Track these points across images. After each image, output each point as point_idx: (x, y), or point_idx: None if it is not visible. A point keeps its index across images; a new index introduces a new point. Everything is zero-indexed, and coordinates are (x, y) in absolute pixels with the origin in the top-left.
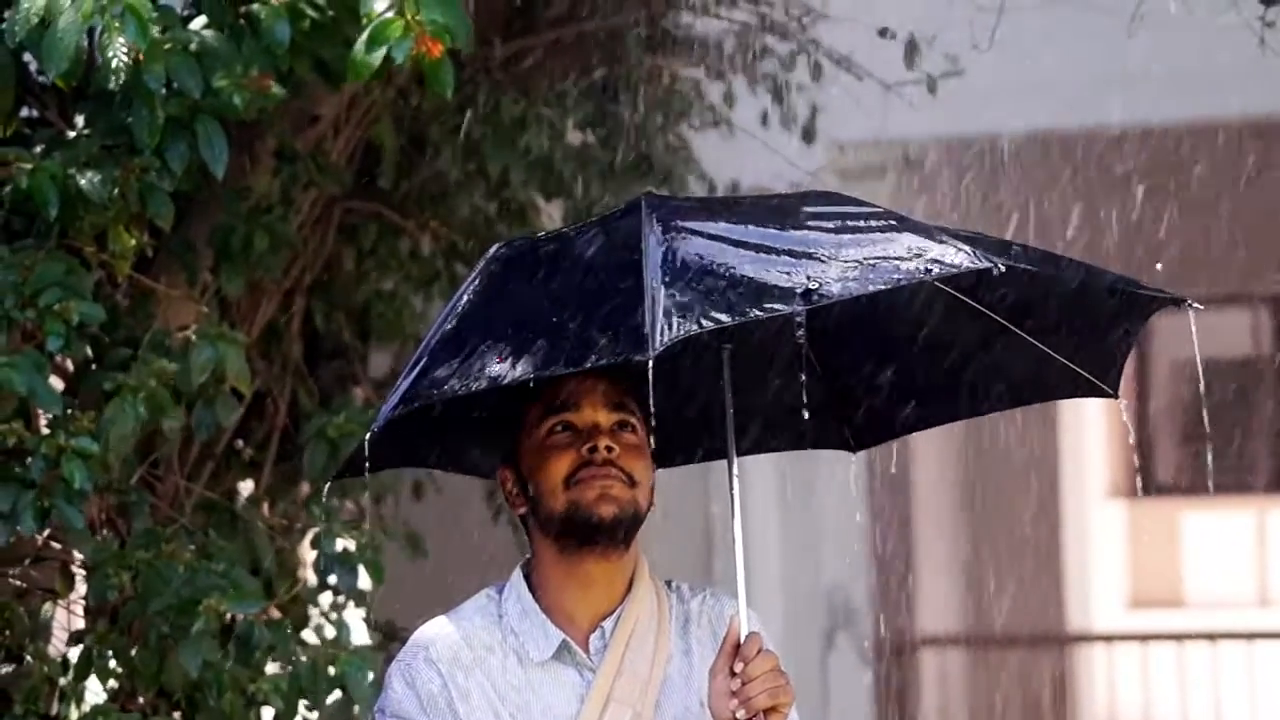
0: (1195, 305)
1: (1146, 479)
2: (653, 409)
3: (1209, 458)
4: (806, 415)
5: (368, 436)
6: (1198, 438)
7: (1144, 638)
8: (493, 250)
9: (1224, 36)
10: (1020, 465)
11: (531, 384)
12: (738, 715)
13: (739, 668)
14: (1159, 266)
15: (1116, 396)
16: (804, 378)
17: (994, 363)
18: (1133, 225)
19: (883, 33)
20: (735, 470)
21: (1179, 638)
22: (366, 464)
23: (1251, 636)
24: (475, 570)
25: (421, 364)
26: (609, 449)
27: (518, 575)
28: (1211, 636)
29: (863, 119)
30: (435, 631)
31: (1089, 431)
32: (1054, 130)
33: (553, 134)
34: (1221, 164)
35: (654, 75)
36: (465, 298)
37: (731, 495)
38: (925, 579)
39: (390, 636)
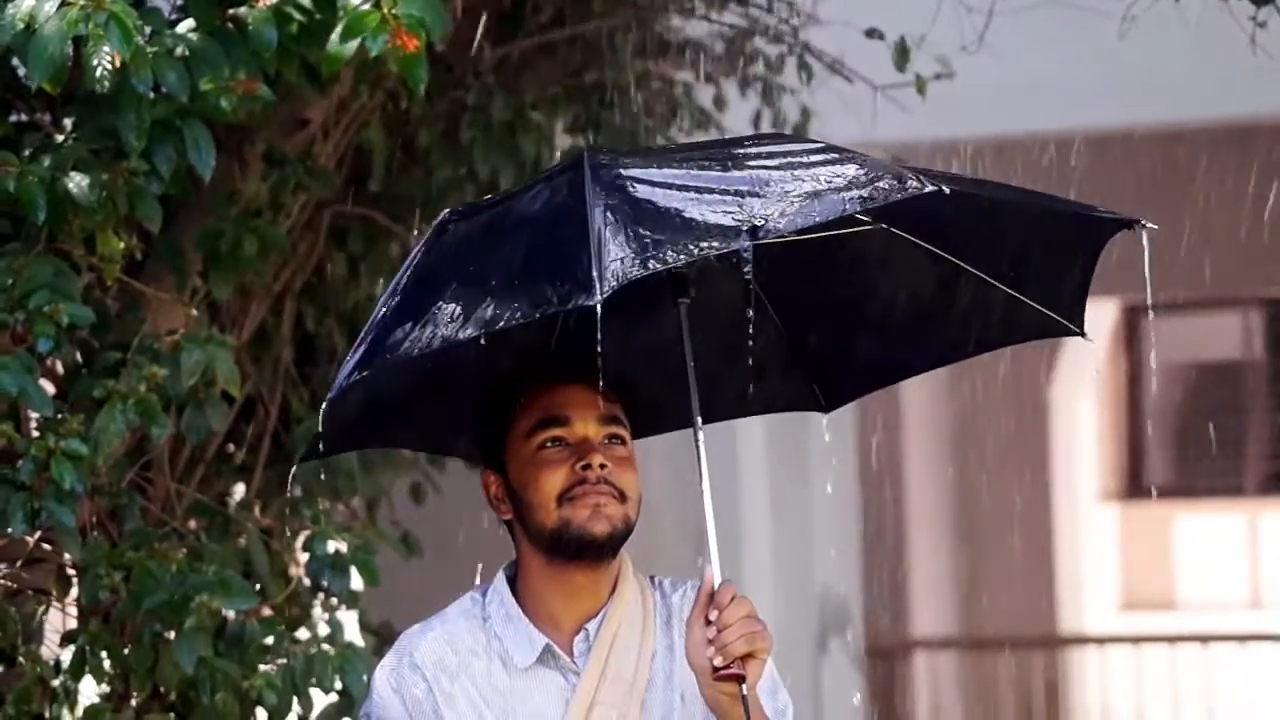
0: (1149, 225)
1: (1139, 482)
2: (604, 359)
3: (1200, 460)
4: (764, 370)
5: (324, 406)
6: (1190, 441)
7: (1136, 640)
8: (440, 217)
9: (1215, 37)
10: (1013, 468)
11: (483, 340)
12: (715, 663)
13: (714, 615)
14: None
15: (1084, 335)
16: (751, 313)
17: (956, 308)
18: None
19: (870, 33)
20: (699, 424)
21: (1171, 640)
22: (326, 442)
23: (1244, 639)
24: (476, 573)
25: (375, 333)
26: (602, 465)
27: (501, 579)
28: (1204, 639)
29: (853, 122)
30: (420, 636)
31: (1081, 434)
32: (1044, 132)
33: (542, 137)
34: (1212, 165)
35: (644, 79)
36: (414, 265)
37: (697, 447)
38: (918, 582)
39: (386, 639)
